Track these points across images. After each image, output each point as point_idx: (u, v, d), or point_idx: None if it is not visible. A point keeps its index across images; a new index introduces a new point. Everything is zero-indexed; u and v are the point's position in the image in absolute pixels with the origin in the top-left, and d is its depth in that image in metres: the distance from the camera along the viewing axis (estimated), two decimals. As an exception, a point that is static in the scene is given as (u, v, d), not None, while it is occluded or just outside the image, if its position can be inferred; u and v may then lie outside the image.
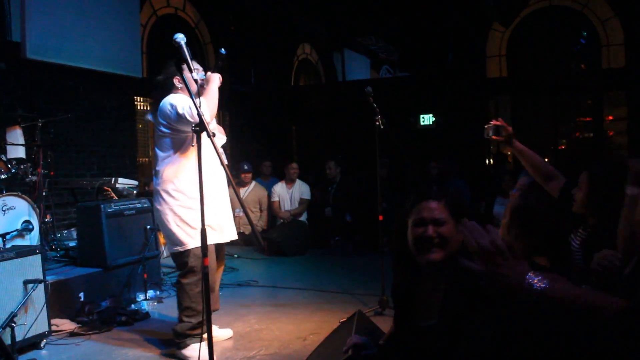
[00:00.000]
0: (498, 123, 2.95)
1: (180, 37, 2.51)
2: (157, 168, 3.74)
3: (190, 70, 2.46)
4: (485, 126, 2.97)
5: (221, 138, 3.90)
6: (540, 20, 10.22)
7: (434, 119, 9.47)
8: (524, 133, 10.16)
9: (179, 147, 3.65)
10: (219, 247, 3.89)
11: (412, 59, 12.30)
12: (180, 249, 3.69)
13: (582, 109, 10.43)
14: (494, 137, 2.96)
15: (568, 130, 10.65)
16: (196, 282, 3.64)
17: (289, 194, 8.07)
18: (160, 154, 3.71)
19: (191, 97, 2.56)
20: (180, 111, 3.46)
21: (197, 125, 2.46)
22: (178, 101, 3.54)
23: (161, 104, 3.63)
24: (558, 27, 10.17)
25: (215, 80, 3.65)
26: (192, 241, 3.64)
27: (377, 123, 4.53)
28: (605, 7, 9.84)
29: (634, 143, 9.15)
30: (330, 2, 10.28)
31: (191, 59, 2.50)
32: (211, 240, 3.49)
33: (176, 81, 3.70)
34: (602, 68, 9.98)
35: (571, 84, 9.47)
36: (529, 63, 10.52)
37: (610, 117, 10.37)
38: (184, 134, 3.62)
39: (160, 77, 3.80)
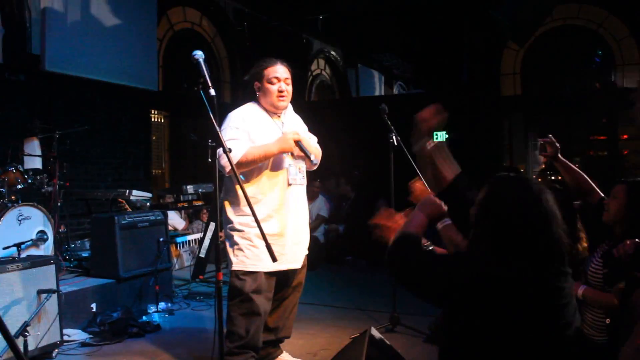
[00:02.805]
0: (547, 140, 3.04)
1: (199, 54, 2.54)
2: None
3: (209, 87, 2.48)
4: (540, 142, 3.08)
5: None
6: (555, 39, 10.20)
7: (447, 136, 9.45)
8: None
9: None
10: (286, 273, 3.49)
11: (426, 76, 12.31)
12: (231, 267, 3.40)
13: (597, 128, 10.37)
14: (542, 154, 3.08)
15: (582, 149, 10.60)
16: (238, 304, 3.29)
17: (309, 210, 8.07)
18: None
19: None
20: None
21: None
22: (230, 127, 3.26)
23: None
24: (573, 46, 10.16)
25: (283, 144, 3.30)
26: (235, 261, 3.34)
27: (392, 140, 4.54)
28: (621, 26, 9.82)
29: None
30: (345, 19, 10.36)
31: (209, 76, 2.52)
32: (266, 266, 3.26)
33: (255, 87, 3.41)
34: (617, 87, 9.94)
35: (585, 103, 9.44)
36: (543, 81, 10.50)
37: (625, 136, 10.32)
38: None
39: (246, 77, 3.52)
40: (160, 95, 8.54)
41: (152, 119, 8.88)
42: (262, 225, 3.17)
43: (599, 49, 10.22)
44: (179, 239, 7.33)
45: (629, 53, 9.83)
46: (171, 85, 9.14)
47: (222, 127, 3.23)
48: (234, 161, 3.00)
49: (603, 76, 10.40)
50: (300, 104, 11.30)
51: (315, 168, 3.59)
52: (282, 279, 3.44)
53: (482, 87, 9.98)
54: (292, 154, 3.38)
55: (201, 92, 2.47)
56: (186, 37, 9.45)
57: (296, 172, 3.41)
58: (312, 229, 7.89)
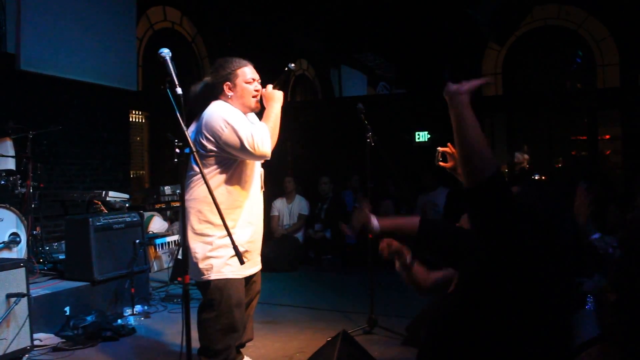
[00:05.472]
0: (447, 150, 2.78)
1: (166, 52, 2.47)
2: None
3: (175, 86, 2.42)
4: (438, 150, 2.80)
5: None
6: (536, 40, 10.28)
7: (429, 136, 9.47)
8: (514, 152, 10.20)
9: (223, 166, 3.09)
10: (251, 278, 3.36)
11: (408, 76, 12.33)
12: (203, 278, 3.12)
13: (578, 128, 10.45)
14: (441, 163, 2.80)
15: (563, 149, 10.67)
16: (215, 318, 3.06)
17: (289, 209, 8.02)
18: (191, 171, 3.13)
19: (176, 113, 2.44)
20: (245, 142, 2.96)
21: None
22: (236, 121, 3.00)
23: (207, 114, 3.07)
24: (554, 46, 10.23)
25: (279, 99, 3.18)
26: (212, 271, 3.09)
27: (368, 140, 4.52)
28: (600, 27, 9.90)
29: (628, 162, 9.17)
30: (327, 18, 10.33)
31: (176, 75, 2.46)
32: (240, 272, 3.13)
33: (226, 87, 3.17)
34: (597, 87, 10.02)
35: (566, 103, 9.50)
36: (524, 81, 10.56)
37: (608, 136, 10.41)
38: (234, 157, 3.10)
39: (207, 79, 3.24)
40: (140, 95, 8.45)
41: (132, 119, 8.79)
42: (241, 231, 3.12)
43: (580, 50, 10.29)
44: (158, 241, 7.24)
45: (609, 54, 9.92)
46: (151, 85, 9.04)
47: (222, 126, 2.99)
48: (268, 146, 3.01)
49: (584, 76, 10.48)
50: (282, 104, 11.32)
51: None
52: (248, 284, 3.33)
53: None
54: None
55: (167, 90, 2.41)
56: (166, 37, 9.37)
57: (259, 176, 3.35)
58: (296, 229, 7.89)
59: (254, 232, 3.25)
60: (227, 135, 2.98)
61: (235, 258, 2.94)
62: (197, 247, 3.08)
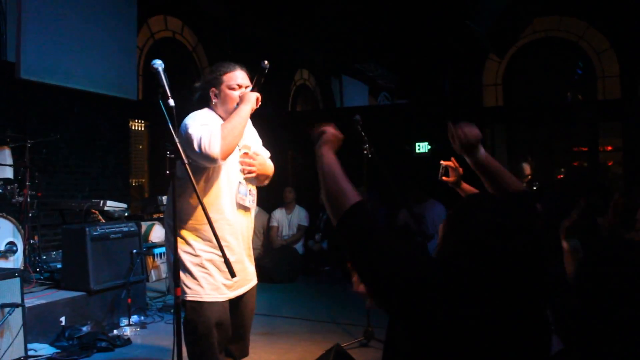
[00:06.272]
0: (450, 164, 2.74)
1: (158, 64, 2.46)
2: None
3: (167, 97, 2.42)
4: (441, 164, 2.75)
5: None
6: (537, 51, 10.28)
7: (429, 146, 9.46)
8: (520, 162, 10.17)
9: (195, 174, 2.74)
10: (242, 298, 3.13)
11: (409, 87, 12.34)
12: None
13: (579, 139, 10.43)
14: (444, 178, 2.75)
15: (564, 160, 10.65)
16: (193, 341, 2.89)
17: (288, 220, 8.01)
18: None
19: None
20: (194, 143, 2.73)
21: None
22: (194, 123, 2.83)
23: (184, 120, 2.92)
24: (554, 58, 10.24)
25: (249, 99, 2.90)
26: (189, 292, 2.90)
27: (365, 152, 4.51)
28: (601, 39, 9.90)
29: (629, 173, 9.15)
30: (328, 29, 10.34)
31: (169, 86, 2.45)
32: (219, 295, 2.93)
33: (212, 94, 3.00)
34: (598, 99, 10.01)
35: (567, 114, 9.49)
36: (525, 93, 10.56)
37: (609, 148, 10.39)
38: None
39: (197, 85, 3.10)
40: (140, 105, 8.46)
41: (132, 128, 8.79)
42: (211, 248, 2.86)
43: (580, 61, 10.29)
44: (157, 250, 7.21)
45: (610, 65, 9.91)
46: (151, 94, 9.05)
47: (185, 128, 2.81)
48: (217, 147, 2.71)
49: (584, 88, 10.47)
50: (283, 114, 11.34)
51: (265, 184, 3.22)
52: (239, 303, 3.12)
53: (464, 98, 10.01)
54: (242, 172, 3.04)
55: (160, 102, 2.40)
56: (167, 46, 9.39)
57: (246, 192, 3.04)
58: (295, 240, 7.88)
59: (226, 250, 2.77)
60: (183, 137, 2.77)
61: (215, 278, 2.87)
62: (180, 260, 2.81)
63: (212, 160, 2.75)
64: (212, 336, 2.89)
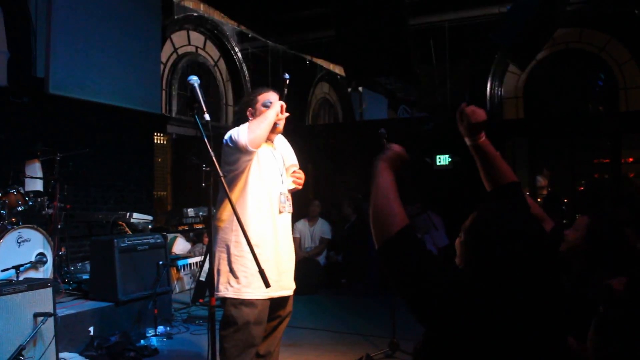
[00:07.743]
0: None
1: (194, 79, 2.55)
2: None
3: (203, 112, 2.50)
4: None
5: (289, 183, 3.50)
6: (557, 63, 10.25)
7: (450, 159, 9.45)
8: (536, 175, 10.14)
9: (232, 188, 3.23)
10: (278, 301, 3.36)
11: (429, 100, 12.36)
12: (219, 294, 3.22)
13: (600, 151, 10.36)
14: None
15: (586, 172, 10.57)
16: (232, 334, 3.13)
17: (310, 232, 8.04)
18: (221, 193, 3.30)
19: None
20: (231, 136, 3.14)
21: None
22: (233, 129, 3.22)
23: None
24: (575, 69, 10.20)
25: (274, 106, 3.29)
26: (230, 289, 3.18)
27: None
28: (622, 50, 9.85)
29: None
30: (349, 42, 10.42)
31: (204, 101, 2.54)
32: (263, 293, 3.11)
33: (248, 113, 3.36)
34: (620, 110, 9.94)
35: (588, 126, 9.44)
36: (546, 105, 10.51)
37: (631, 159, 10.30)
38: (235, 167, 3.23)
39: (236, 108, 3.53)
40: (164, 119, 8.59)
41: (156, 141, 8.93)
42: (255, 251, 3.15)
43: (602, 73, 10.24)
44: (180, 262, 7.31)
45: (631, 77, 9.86)
46: (175, 108, 9.19)
47: (225, 137, 3.21)
48: (245, 137, 3.07)
49: (606, 100, 10.41)
50: (301, 127, 11.41)
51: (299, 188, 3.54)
52: (275, 306, 3.33)
53: (484, 111, 9.99)
54: (282, 182, 3.40)
55: (195, 117, 2.48)
56: (190, 61, 9.54)
57: (285, 199, 3.36)
58: (318, 252, 7.90)
59: (271, 254, 3.23)
60: (224, 144, 3.20)
61: (255, 278, 2.99)
62: (219, 262, 3.22)
63: (242, 147, 3.09)
64: (248, 333, 3.11)
